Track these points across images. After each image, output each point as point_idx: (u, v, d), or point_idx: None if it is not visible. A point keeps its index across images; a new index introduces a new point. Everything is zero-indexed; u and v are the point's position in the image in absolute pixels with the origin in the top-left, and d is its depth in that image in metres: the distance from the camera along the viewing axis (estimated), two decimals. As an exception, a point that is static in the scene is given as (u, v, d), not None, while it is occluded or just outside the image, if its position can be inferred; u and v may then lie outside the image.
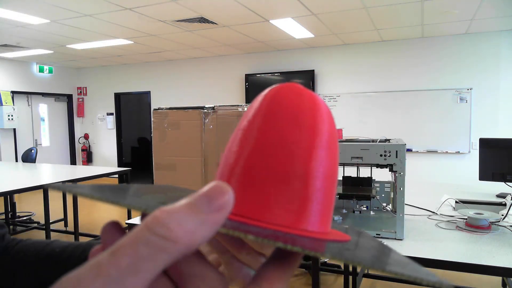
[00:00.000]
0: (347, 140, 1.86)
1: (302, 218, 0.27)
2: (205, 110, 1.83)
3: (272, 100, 0.29)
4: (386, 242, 1.55)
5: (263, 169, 0.27)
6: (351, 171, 2.02)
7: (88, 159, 9.03)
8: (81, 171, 4.33)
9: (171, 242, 0.18)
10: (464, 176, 5.66)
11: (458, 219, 1.85)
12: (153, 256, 0.17)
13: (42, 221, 4.06)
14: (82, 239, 4.22)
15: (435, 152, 5.91)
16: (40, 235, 4.73)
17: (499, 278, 3.11)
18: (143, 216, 0.24)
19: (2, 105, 7.28)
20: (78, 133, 9.16)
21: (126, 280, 0.17)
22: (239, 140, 0.29)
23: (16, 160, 7.55)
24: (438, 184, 2.91)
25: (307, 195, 0.27)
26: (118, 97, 8.73)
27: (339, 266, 3.48)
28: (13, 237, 0.60)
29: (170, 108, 1.89)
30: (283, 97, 0.29)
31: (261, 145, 0.27)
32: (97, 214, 5.76)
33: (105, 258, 0.18)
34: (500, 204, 1.97)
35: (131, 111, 10.06)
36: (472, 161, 5.57)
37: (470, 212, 1.76)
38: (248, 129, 0.29)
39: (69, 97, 8.99)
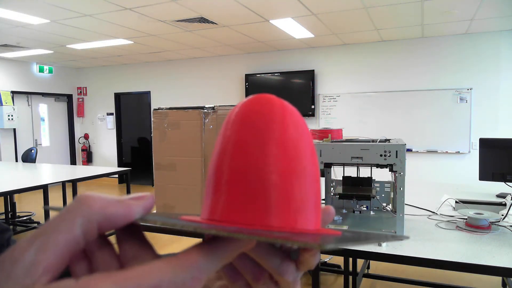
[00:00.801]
0: (347, 140, 1.86)
1: (267, 215, 0.27)
2: (205, 110, 1.83)
3: (234, 110, 0.31)
4: (386, 242, 1.55)
5: (226, 173, 0.29)
6: (351, 171, 2.02)
7: (88, 159, 9.03)
8: (81, 171, 4.33)
9: (86, 206, 0.22)
10: (464, 176, 5.66)
11: (458, 219, 1.85)
12: (71, 217, 0.22)
13: (42, 221, 4.06)
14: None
15: (435, 152, 5.91)
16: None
17: (499, 278, 3.11)
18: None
19: (2, 105, 7.28)
20: (78, 133, 9.16)
21: (49, 236, 0.21)
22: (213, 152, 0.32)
23: (16, 160, 7.55)
24: (438, 184, 2.91)
25: (267, 193, 0.28)
26: (118, 97, 8.73)
27: (339, 266, 3.48)
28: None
29: (170, 108, 1.89)
30: (243, 107, 0.31)
31: (224, 151, 0.30)
32: (97, 214, 5.76)
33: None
34: (500, 204, 1.97)
35: (131, 111, 10.06)
36: (472, 161, 5.57)
37: (470, 212, 1.76)
38: (218, 138, 0.31)
39: (69, 97, 8.99)
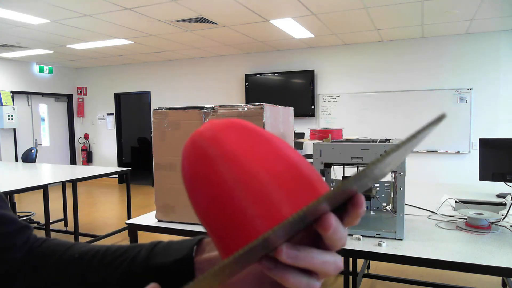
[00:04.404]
0: (347, 140, 1.86)
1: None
2: (205, 110, 1.83)
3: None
4: (386, 242, 1.55)
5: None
6: (351, 171, 2.02)
7: (88, 159, 9.03)
8: (81, 171, 4.33)
9: None
10: (464, 176, 5.66)
11: (458, 219, 1.85)
12: None
13: (42, 221, 4.06)
14: (82, 239, 4.23)
15: (435, 152, 5.91)
16: (40, 235, 4.73)
17: (499, 278, 3.11)
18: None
19: (2, 105, 7.28)
20: (78, 133, 9.16)
21: None
22: None
23: (16, 160, 7.55)
24: (438, 184, 2.91)
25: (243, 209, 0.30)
26: (118, 97, 8.73)
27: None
28: (38, 236, 0.60)
29: (170, 108, 1.89)
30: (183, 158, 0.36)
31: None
32: (97, 214, 5.76)
33: None
34: (500, 204, 1.97)
35: (131, 111, 10.06)
36: (472, 161, 5.57)
37: (470, 212, 1.76)
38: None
39: (69, 97, 8.99)
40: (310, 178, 0.31)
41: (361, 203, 0.29)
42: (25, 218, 5.29)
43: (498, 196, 2.38)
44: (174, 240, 0.49)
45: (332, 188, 0.25)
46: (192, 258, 0.44)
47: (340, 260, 0.30)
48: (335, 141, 1.79)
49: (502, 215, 1.81)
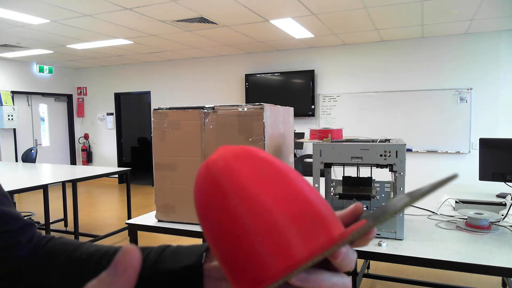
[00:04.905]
0: (347, 140, 1.86)
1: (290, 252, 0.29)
2: (205, 110, 1.83)
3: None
4: (386, 242, 1.55)
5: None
6: (351, 171, 2.02)
7: (88, 159, 9.03)
8: (81, 171, 4.33)
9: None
10: (464, 176, 5.65)
11: (458, 219, 1.85)
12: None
13: (42, 221, 4.06)
14: (82, 239, 4.22)
15: (435, 152, 5.91)
16: (40, 235, 4.73)
17: (499, 278, 3.11)
18: None
19: (2, 105, 7.27)
20: (78, 133, 9.16)
21: None
22: None
23: (16, 160, 7.55)
24: (438, 184, 2.91)
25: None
26: (118, 97, 8.73)
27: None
28: (43, 234, 0.59)
29: (170, 108, 1.89)
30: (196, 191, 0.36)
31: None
32: (97, 214, 5.76)
33: None
34: (500, 204, 1.97)
35: (131, 111, 10.06)
36: (472, 161, 5.57)
37: (470, 212, 1.76)
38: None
39: (69, 97, 8.99)
40: (322, 214, 0.31)
41: (371, 231, 0.29)
42: (25, 218, 5.29)
43: (498, 196, 2.38)
44: (182, 245, 0.48)
45: (350, 232, 0.25)
46: (201, 265, 0.43)
47: (348, 281, 0.31)
48: (335, 141, 1.79)
49: (502, 215, 1.81)
